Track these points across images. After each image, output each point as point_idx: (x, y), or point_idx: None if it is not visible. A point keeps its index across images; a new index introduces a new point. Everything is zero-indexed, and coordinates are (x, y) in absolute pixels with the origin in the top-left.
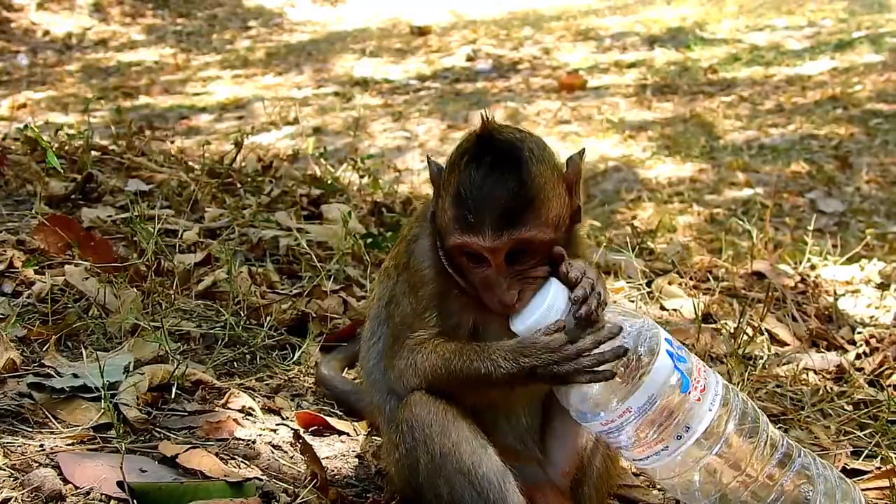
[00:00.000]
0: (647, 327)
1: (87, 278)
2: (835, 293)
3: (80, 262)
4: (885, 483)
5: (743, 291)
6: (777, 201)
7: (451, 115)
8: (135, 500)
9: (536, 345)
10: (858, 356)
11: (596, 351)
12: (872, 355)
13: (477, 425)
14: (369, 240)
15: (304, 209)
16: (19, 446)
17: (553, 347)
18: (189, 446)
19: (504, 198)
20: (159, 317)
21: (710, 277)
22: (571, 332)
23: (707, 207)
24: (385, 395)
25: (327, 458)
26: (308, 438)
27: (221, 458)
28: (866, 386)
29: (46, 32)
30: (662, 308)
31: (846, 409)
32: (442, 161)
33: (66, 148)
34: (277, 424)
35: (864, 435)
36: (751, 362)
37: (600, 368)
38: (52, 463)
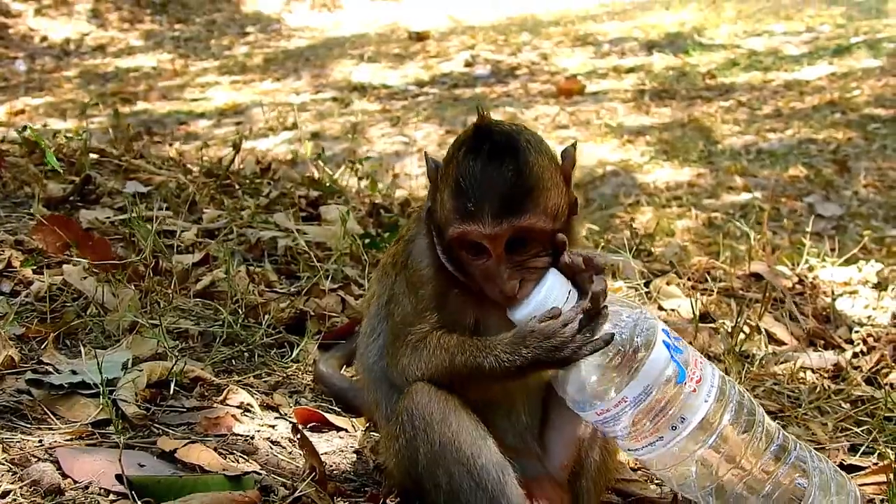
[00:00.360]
0: (643, 317)
1: (85, 277)
2: (832, 293)
3: (78, 259)
4: (882, 478)
5: (741, 292)
6: (775, 205)
7: (450, 120)
8: (133, 493)
9: (534, 334)
10: (856, 355)
11: (592, 327)
12: (870, 354)
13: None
14: (367, 240)
15: (302, 210)
16: (18, 442)
17: (549, 333)
18: (187, 441)
19: (503, 186)
20: (157, 315)
21: (708, 278)
22: (566, 314)
23: (705, 211)
24: (385, 391)
25: (325, 453)
26: (306, 434)
27: (220, 453)
28: (863, 384)
29: (44, 38)
30: (660, 308)
31: (843, 407)
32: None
33: (65, 150)
34: (276, 418)
35: (862, 431)
36: (748, 360)
37: (597, 336)
38: (51, 458)
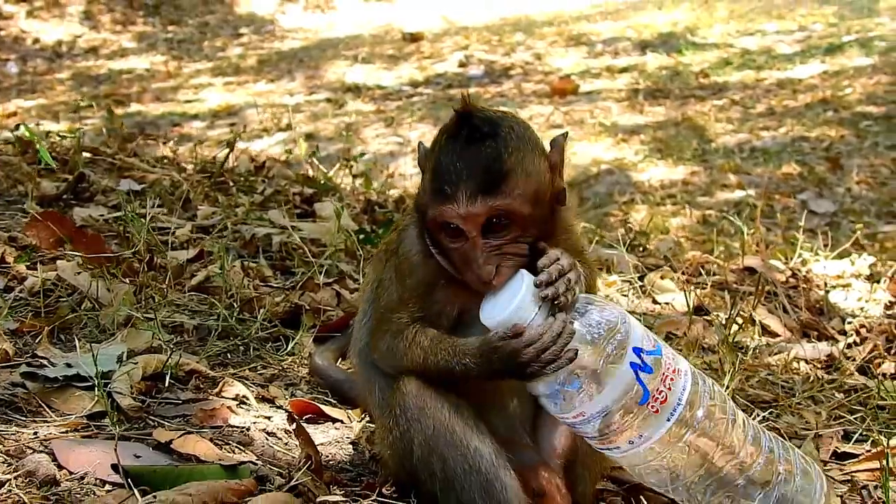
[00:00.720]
0: (617, 330)
1: (79, 273)
2: (825, 286)
3: (72, 253)
4: (875, 465)
5: (734, 285)
6: (768, 202)
7: (444, 120)
8: (129, 481)
9: (499, 350)
10: (849, 346)
11: (554, 348)
12: (863, 344)
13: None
14: (362, 235)
15: (296, 207)
16: (13, 434)
17: (511, 352)
18: (183, 432)
19: (480, 167)
20: (152, 309)
21: (702, 272)
22: (530, 335)
23: (699, 209)
24: (376, 376)
25: (321, 444)
26: (302, 424)
27: (216, 444)
28: (857, 374)
29: (36, 40)
30: (655, 302)
31: (837, 396)
32: None
33: (58, 149)
34: (272, 409)
35: (855, 419)
36: (742, 351)
37: (561, 359)
38: (46, 449)
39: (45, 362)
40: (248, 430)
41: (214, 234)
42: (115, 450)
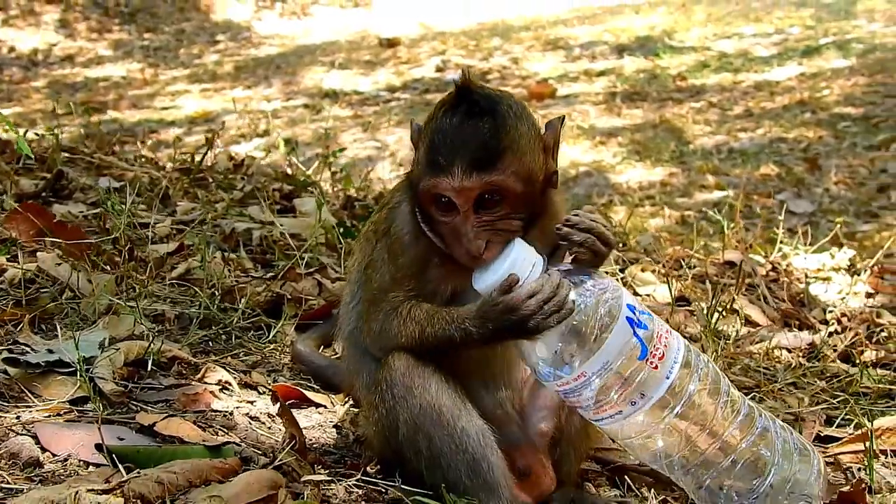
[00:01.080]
0: (609, 289)
1: (59, 264)
2: (805, 277)
3: (53, 240)
4: (858, 447)
5: (715, 278)
6: (747, 203)
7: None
8: (113, 457)
9: (497, 308)
10: (830, 334)
11: (556, 299)
12: (844, 333)
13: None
14: (342, 229)
15: (276, 203)
16: None
17: (513, 306)
18: (167, 415)
19: (476, 142)
20: (133, 298)
21: (683, 264)
22: (532, 285)
23: (678, 210)
24: (365, 359)
25: (305, 428)
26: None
27: (199, 428)
28: (838, 361)
29: (12, 49)
30: (636, 293)
31: (819, 383)
32: None
33: (36, 149)
34: (255, 394)
35: (838, 402)
36: (724, 340)
37: (564, 309)
38: (29, 433)
39: (26, 349)
40: (231, 414)
41: (194, 227)
42: (99, 429)
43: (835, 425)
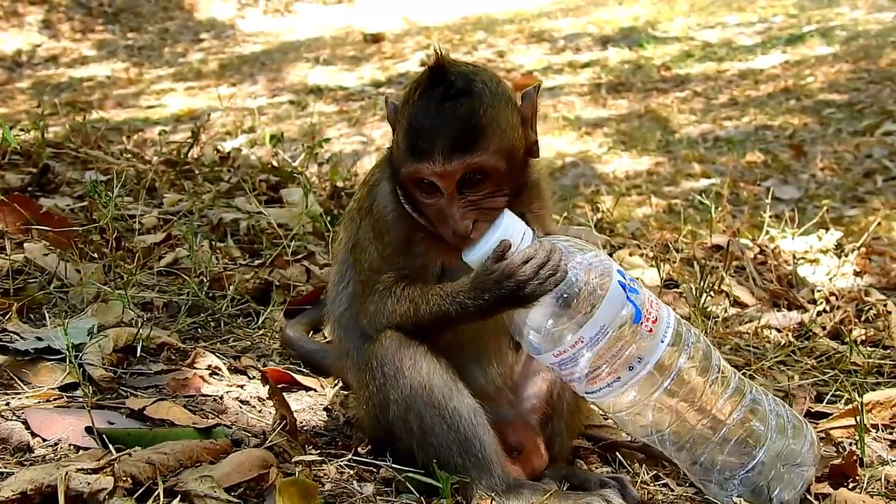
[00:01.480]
0: (597, 258)
1: (47, 254)
2: (794, 258)
3: (40, 227)
4: (850, 421)
5: (703, 261)
6: (734, 190)
7: None
8: (103, 438)
9: (492, 276)
10: (819, 313)
11: (550, 263)
12: (833, 312)
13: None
14: (329, 217)
15: (263, 194)
16: None
17: (509, 272)
18: (157, 399)
19: (456, 124)
20: (122, 286)
21: (671, 248)
22: (526, 251)
23: (665, 199)
24: (355, 340)
25: (296, 411)
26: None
27: (189, 412)
28: (828, 340)
29: None
30: None
31: (808, 361)
32: None
33: (21, 144)
34: (245, 379)
35: (828, 379)
36: (712, 321)
37: (559, 273)
38: (19, 419)
39: (15, 337)
40: (221, 398)
41: (181, 218)
42: (90, 412)
43: (825, 401)
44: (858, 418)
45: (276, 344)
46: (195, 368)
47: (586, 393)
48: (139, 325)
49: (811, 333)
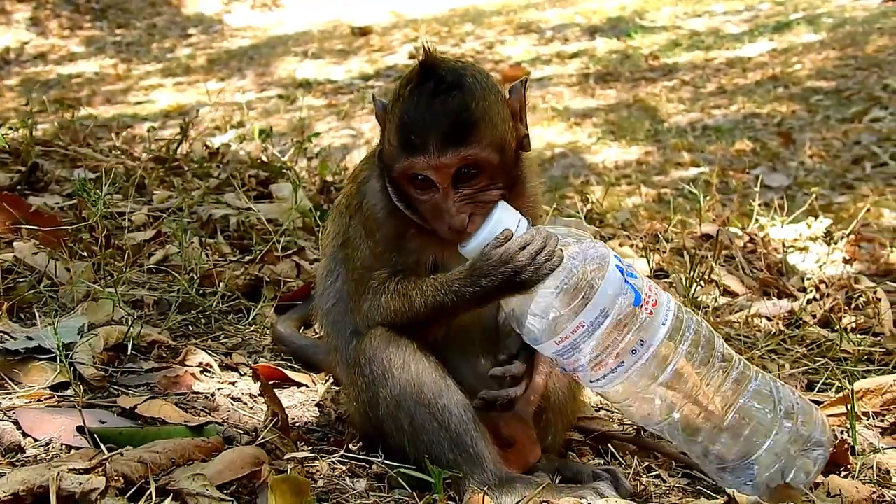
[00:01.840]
0: (593, 245)
1: (36, 253)
2: (783, 246)
3: (29, 227)
4: (841, 409)
5: (693, 250)
6: (723, 179)
7: None
8: (95, 437)
9: (490, 261)
10: (809, 301)
11: (547, 248)
12: (823, 300)
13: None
14: (319, 212)
15: (252, 190)
16: None
17: (507, 258)
18: (148, 397)
19: (448, 118)
20: (112, 282)
21: (661, 238)
22: (523, 237)
23: (654, 188)
24: (344, 335)
25: (288, 407)
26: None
27: (181, 409)
28: (818, 328)
29: None
30: None
31: (799, 349)
32: None
33: (10, 143)
34: (236, 376)
35: (819, 367)
36: (703, 310)
37: (556, 258)
38: (10, 419)
39: (5, 336)
40: (212, 395)
41: (171, 214)
42: (81, 411)
43: (816, 390)
44: (849, 406)
45: (267, 340)
46: (186, 366)
47: (591, 381)
48: (130, 323)
49: (801, 322)
